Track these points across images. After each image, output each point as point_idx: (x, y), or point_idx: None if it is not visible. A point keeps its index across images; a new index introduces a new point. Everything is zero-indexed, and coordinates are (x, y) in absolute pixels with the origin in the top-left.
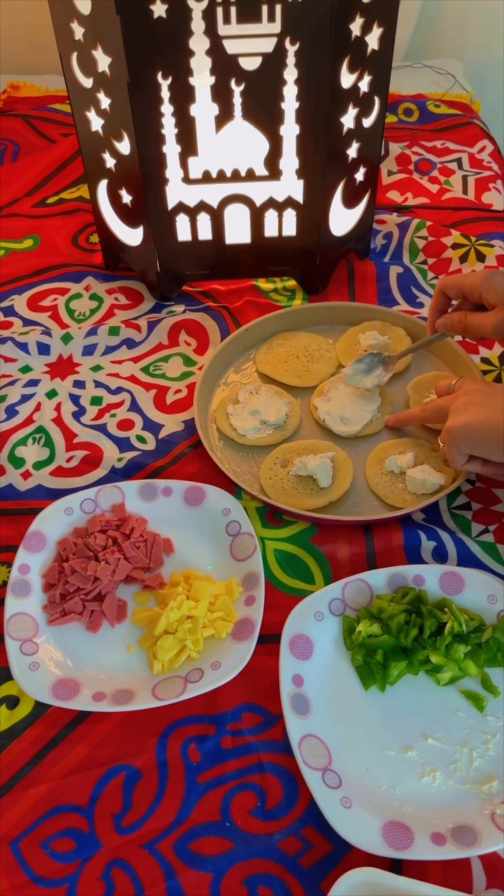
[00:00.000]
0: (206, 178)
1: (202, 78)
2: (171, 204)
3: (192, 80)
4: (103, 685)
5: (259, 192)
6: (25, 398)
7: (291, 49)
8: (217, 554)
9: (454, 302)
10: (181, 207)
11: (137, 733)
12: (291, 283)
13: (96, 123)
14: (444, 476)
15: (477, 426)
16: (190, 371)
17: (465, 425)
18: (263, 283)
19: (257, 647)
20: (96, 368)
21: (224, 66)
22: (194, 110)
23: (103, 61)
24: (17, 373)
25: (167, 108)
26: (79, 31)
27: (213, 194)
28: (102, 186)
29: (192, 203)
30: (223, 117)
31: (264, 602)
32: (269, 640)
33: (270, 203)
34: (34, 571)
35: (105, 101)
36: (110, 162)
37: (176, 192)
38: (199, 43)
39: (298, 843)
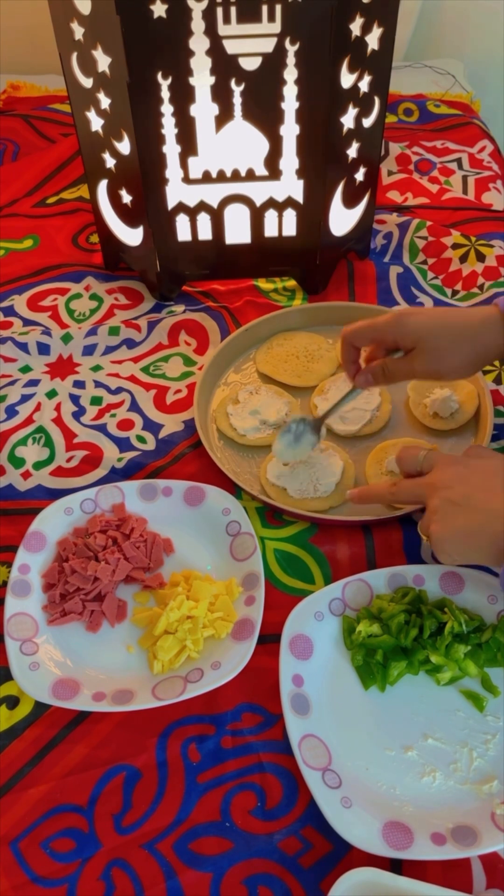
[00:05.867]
0: (206, 178)
1: (202, 78)
2: (171, 204)
3: (192, 80)
4: (103, 685)
5: (259, 192)
6: (25, 398)
7: (291, 49)
8: (217, 554)
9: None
10: (181, 207)
11: (137, 733)
12: (291, 283)
13: (96, 123)
14: None
15: (466, 536)
16: (190, 371)
17: (454, 536)
18: (263, 283)
19: (257, 647)
20: (96, 368)
21: (224, 66)
22: (194, 110)
23: (103, 61)
24: (17, 373)
25: (167, 108)
26: (79, 31)
27: (213, 194)
28: (102, 186)
29: (192, 203)
30: (223, 117)
31: (264, 602)
32: (269, 640)
33: (270, 203)
34: (34, 571)
35: (105, 101)
36: (110, 162)
37: (176, 192)
38: (199, 43)
39: (298, 843)
